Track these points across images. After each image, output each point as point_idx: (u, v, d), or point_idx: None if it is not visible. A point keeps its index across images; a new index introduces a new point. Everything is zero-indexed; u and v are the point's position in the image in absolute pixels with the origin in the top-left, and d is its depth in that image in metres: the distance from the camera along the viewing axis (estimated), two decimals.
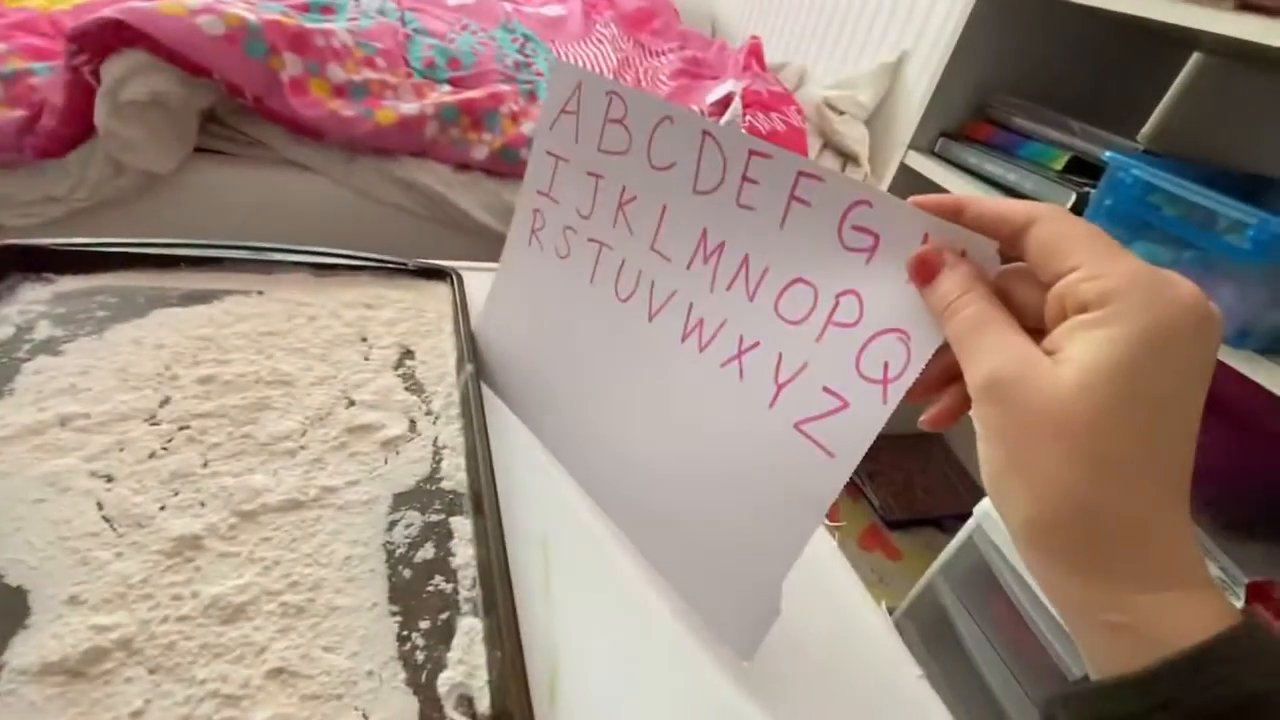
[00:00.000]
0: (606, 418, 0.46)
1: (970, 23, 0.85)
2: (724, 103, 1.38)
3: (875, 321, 0.30)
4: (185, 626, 0.34)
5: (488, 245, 1.05)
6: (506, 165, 1.07)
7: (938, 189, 0.90)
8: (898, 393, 0.29)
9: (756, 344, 0.36)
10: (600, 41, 1.60)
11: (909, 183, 0.96)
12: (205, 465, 0.43)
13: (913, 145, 0.93)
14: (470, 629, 0.37)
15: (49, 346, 0.48)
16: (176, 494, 0.40)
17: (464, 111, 1.05)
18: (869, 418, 0.30)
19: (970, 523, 0.83)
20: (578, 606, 0.40)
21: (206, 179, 0.94)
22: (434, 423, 0.51)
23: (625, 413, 0.44)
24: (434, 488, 0.46)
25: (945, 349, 0.26)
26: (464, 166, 1.06)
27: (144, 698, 0.31)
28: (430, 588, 0.39)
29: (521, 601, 0.38)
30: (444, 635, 0.37)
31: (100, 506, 0.39)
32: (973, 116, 0.92)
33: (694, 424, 0.40)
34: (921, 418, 0.27)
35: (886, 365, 0.29)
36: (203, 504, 0.40)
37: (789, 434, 0.33)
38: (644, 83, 1.52)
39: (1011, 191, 0.82)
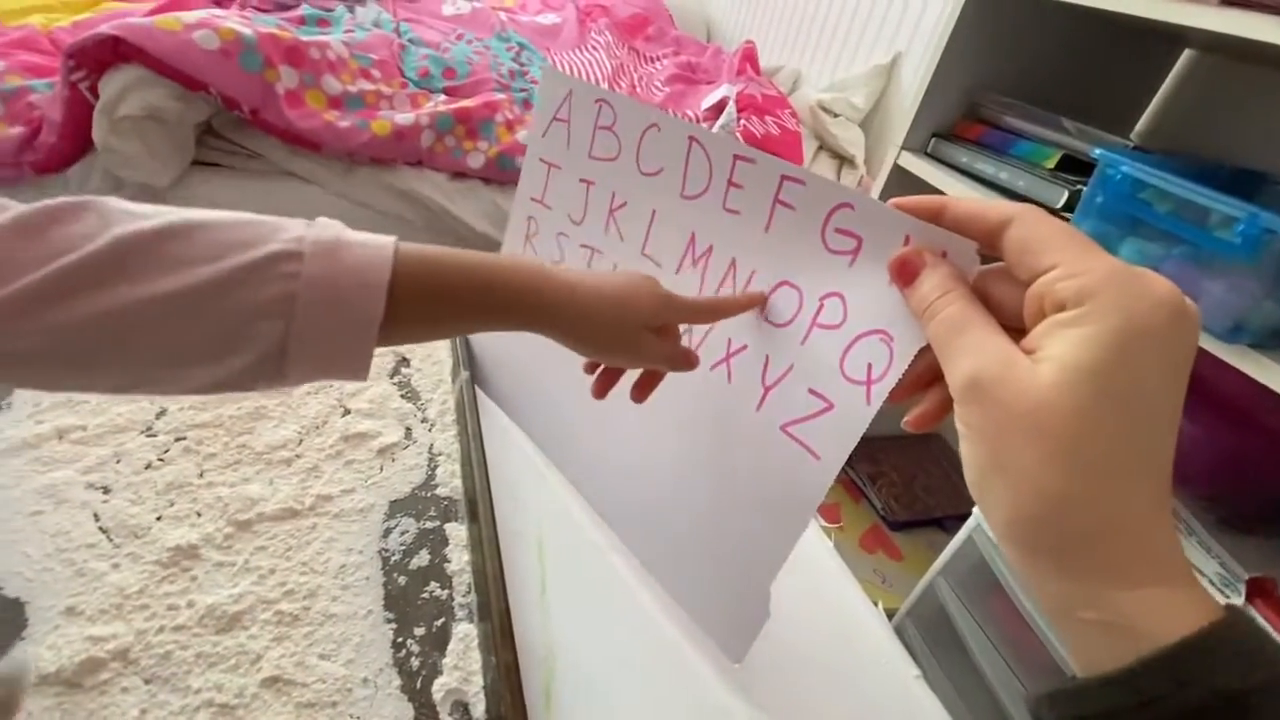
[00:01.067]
0: (599, 422, 0.46)
1: (960, 23, 0.85)
2: (719, 107, 1.38)
3: (859, 323, 0.30)
4: (181, 636, 0.34)
5: (482, 250, 1.05)
6: (503, 173, 1.07)
7: (931, 189, 0.90)
8: (881, 394, 0.29)
9: (744, 347, 0.36)
10: (595, 49, 1.61)
11: (902, 183, 0.96)
12: (201, 475, 0.43)
13: (905, 146, 0.93)
14: (465, 635, 0.37)
15: None
16: (173, 504, 0.41)
17: (459, 120, 1.06)
18: (853, 419, 0.30)
19: (970, 522, 0.83)
20: (573, 611, 0.40)
21: (204, 192, 0.95)
22: (429, 430, 0.51)
23: (617, 417, 0.44)
24: (429, 494, 0.46)
25: (928, 350, 0.26)
26: (461, 175, 1.07)
27: (140, 708, 0.31)
28: (425, 594, 0.39)
29: (517, 607, 0.38)
30: (439, 641, 0.37)
31: (97, 518, 0.39)
32: (964, 116, 0.92)
33: (684, 426, 0.40)
34: (905, 419, 0.27)
35: (870, 366, 0.29)
36: (199, 514, 0.40)
37: (776, 436, 0.33)
38: (639, 89, 1.53)
39: (1004, 190, 0.82)
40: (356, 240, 0.27)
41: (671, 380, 0.38)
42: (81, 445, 0.43)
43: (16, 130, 0.86)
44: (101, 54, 0.83)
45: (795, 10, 1.73)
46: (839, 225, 0.30)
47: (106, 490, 0.41)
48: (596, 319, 0.33)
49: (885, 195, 1.05)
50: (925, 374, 0.27)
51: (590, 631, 0.40)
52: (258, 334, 0.25)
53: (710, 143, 0.37)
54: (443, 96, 1.14)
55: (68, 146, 0.87)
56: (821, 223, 0.31)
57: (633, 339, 0.34)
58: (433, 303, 0.29)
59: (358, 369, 0.27)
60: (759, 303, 0.35)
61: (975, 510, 0.83)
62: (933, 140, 0.94)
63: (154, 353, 0.24)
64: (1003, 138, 0.85)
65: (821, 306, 0.31)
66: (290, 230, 0.26)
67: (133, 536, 0.38)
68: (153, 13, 0.93)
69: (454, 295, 0.30)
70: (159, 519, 0.40)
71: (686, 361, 0.37)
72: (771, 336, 0.34)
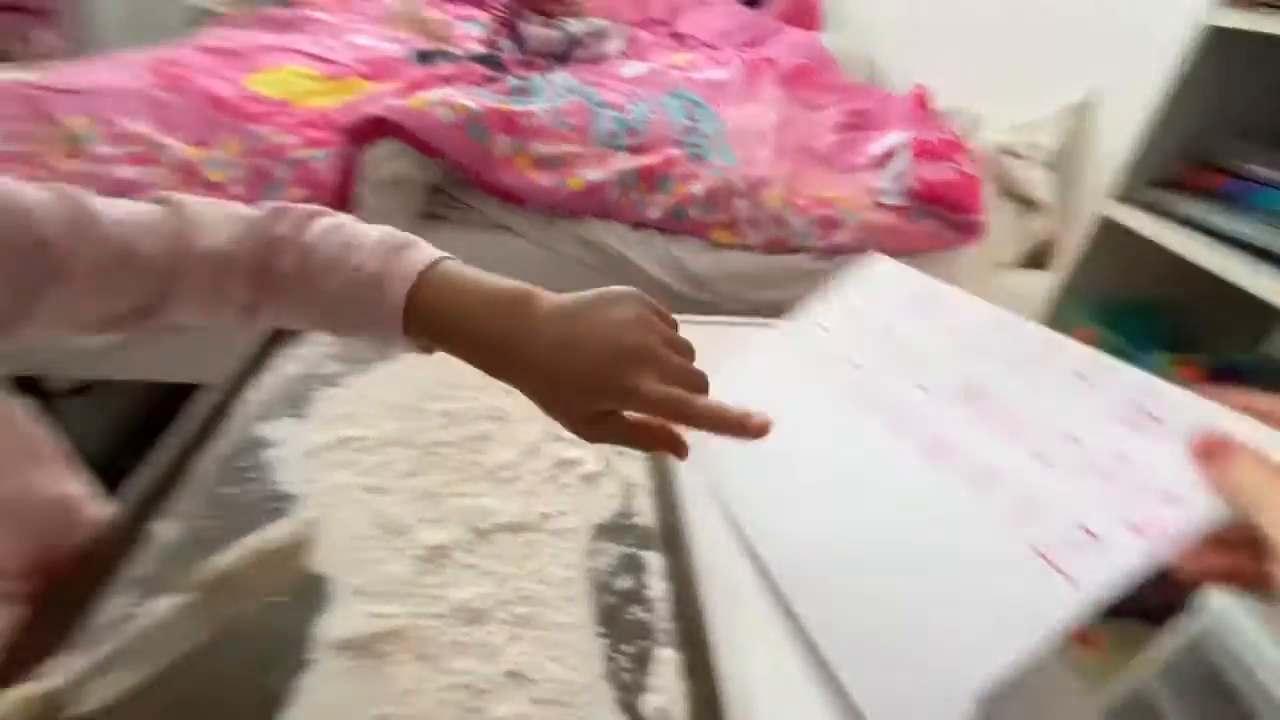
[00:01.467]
0: (808, 490, 0.47)
1: (1193, 61, 0.77)
2: (888, 154, 1.36)
3: (1144, 487, 0.30)
4: (440, 624, 0.40)
5: (657, 297, 1.12)
6: (677, 223, 1.14)
7: (1147, 243, 0.82)
8: (1162, 550, 0.28)
9: (1006, 475, 0.36)
10: (762, 101, 1.66)
11: (1113, 236, 0.88)
12: (447, 486, 0.50)
13: (1117, 196, 0.86)
14: (668, 659, 0.40)
15: (332, 379, 0.60)
16: (427, 509, 0.48)
17: (641, 177, 1.15)
18: (1125, 557, 0.29)
19: (1196, 621, 0.72)
20: (762, 652, 0.42)
21: (431, 242, 1.12)
22: (625, 461, 0.56)
23: (828, 492, 0.46)
24: (628, 522, 0.50)
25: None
26: (640, 225, 1.16)
27: (412, 679, 0.37)
28: (630, 615, 0.43)
29: (716, 639, 0.40)
30: (644, 661, 0.40)
31: (373, 515, 0.47)
32: (1191, 163, 0.83)
33: (911, 520, 0.40)
34: (1189, 566, 0.28)
35: (1150, 521, 0.29)
36: (447, 520, 0.47)
37: (1026, 555, 0.33)
38: (804, 139, 1.55)
39: (1245, 246, 0.72)
40: (394, 273, 0.37)
41: (907, 481, 0.39)
42: (360, 453, 0.52)
43: (300, 192, 1.08)
44: (366, 130, 1.02)
45: (970, 49, 1.66)
46: (1141, 406, 0.31)
47: (379, 492, 0.49)
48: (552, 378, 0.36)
49: (1090, 249, 0.96)
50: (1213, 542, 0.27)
51: (781, 677, 0.41)
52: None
53: (1022, 328, 0.39)
54: (626, 154, 1.25)
55: (334, 205, 1.07)
56: (1122, 403, 0.32)
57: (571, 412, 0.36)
58: (439, 338, 0.37)
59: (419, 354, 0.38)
60: (747, 432, 0.32)
61: (1205, 606, 0.72)
62: (1150, 189, 0.86)
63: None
64: (1245, 187, 0.76)
65: (1105, 460, 0.32)
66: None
67: (399, 534, 0.46)
68: (402, 92, 1.12)
69: (460, 329, 0.37)
70: (418, 521, 0.47)
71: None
72: (1042, 473, 0.34)
